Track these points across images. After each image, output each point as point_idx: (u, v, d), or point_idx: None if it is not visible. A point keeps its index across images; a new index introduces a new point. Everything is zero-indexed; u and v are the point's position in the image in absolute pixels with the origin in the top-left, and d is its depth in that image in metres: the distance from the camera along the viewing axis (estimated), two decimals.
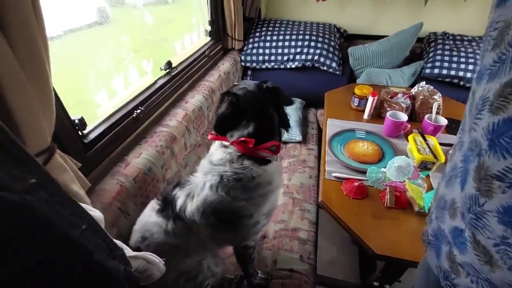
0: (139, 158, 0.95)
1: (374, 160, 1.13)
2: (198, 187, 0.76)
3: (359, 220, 0.92)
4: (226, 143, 0.78)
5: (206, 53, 1.64)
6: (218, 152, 0.78)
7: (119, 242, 0.48)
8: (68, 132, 0.77)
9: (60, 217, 0.32)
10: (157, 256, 0.57)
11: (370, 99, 1.39)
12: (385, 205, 0.95)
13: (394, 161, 0.97)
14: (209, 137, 0.81)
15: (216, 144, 0.83)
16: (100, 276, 0.32)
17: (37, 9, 0.53)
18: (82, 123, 0.83)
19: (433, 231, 0.54)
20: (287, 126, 0.83)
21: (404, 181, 0.96)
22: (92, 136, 0.88)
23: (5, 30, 0.49)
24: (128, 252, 0.53)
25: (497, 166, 0.36)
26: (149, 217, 0.81)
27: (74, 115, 0.81)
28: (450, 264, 0.48)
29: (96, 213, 0.50)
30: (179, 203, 0.77)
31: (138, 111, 1.05)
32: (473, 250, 0.41)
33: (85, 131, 0.85)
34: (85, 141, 0.85)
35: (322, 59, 1.87)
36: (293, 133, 1.67)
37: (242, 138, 0.73)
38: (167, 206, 0.79)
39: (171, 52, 1.51)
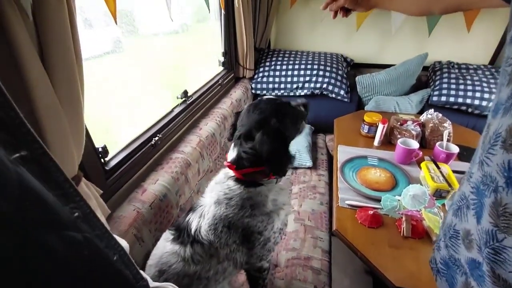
0: (156, 184, 0.98)
1: (387, 188, 1.13)
2: (207, 206, 0.79)
3: (376, 250, 0.90)
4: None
5: (219, 82, 1.71)
6: (221, 173, 0.84)
7: (143, 273, 0.49)
8: (92, 160, 0.80)
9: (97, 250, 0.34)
10: (177, 287, 0.57)
11: (380, 126, 1.41)
12: (401, 234, 0.94)
13: (409, 189, 0.97)
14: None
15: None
16: None
17: (78, 51, 0.58)
18: (105, 151, 0.87)
19: (442, 259, 0.53)
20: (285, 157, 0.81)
21: (420, 209, 0.95)
22: (112, 163, 0.91)
23: (49, 70, 0.53)
24: (151, 283, 0.54)
25: None
26: (164, 248, 0.80)
27: (97, 143, 0.85)
28: None
29: (123, 243, 0.51)
30: (193, 225, 0.78)
31: (156, 138, 1.09)
32: (493, 284, 0.40)
33: (106, 159, 0.88)
34: (106, 168, 0.88)
35: (330, 87, 1.92)
36: (303, 159, 1.68)
37: (226, 164, 0.80)
38: (182, 233, 0.79)
39: (187, 81, 1.59)
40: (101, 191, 0.74)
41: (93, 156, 0.81)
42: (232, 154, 0.81)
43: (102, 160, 0.86)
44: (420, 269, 0.84)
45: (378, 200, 1.05)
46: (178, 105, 1.33)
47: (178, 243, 0.79)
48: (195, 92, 1.49)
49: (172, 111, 1.27)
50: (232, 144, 0.83)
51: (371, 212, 0.99)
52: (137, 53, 1.30)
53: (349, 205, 1.07)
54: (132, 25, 1.18)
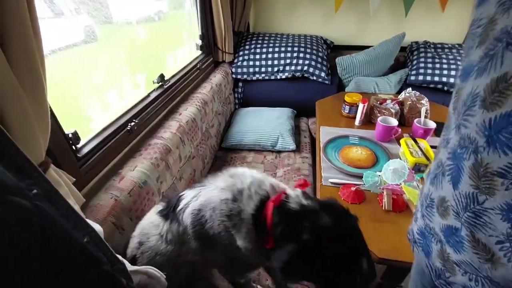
0: (134, 171, 0.94)
1: (368, 165, 1.15)
2: (208, 189, 0.73)
3: (360, 225, 0.92)
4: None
5: (198, 66, 1.66)
6: (251, 178, 0.72)
7: (119, 257, 0.47)
8: (62, 146, 0.75)
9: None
10: (158, 270, 0.55)
11: (361, 106, 1.42)
12: (383, 208, 0.96)
13: (390, 164, 0.99)
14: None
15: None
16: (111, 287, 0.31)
17: (36, 26, 0.52)
18: (76, 137, 0.81)
19: (419, 229, 0.54)
20: None
21: (400, 184, 0.98)
22: (85, 150, 0.86)
23: (4, 46, 0.48)
24: (129, 266, 0.51)
25: (498, 163, 0.36)
26: (150, 218, 0.77)
27: (67, 130, 0.79)
28: (443, 262, 0.47)
29: (96, 226, 0.48)
30: (182, 203, 0.73)
31: (132, 123, 1.04)
32: (472, 249, 0.41)
33: (78, 145, 0.83)
34: (79, 155, 0.83)
35: (311, 69, 1.91)
36: (287, 142, 1.68)
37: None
38: (169, 206, 0.76)
39: (163, 66, 1.52)
40: (74, 179, 0.70)
41: (63, 143, 0.76)
42: (276, 217, 0.64)
43: (74, 147, 0.81)
44: (401, 241, 0.87)
45: (360, 177, 1.07)
46: (154, 89, 1.27)
47: (161, 216, 0.75)
48: (173, 77, 1.43)
49: (148, 96, 1.22)
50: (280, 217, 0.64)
51: (353, 188, 1.01)
52: (112, 41, 1.22)
53: (332, 183, 1.08)
54: (106, 13, 1.11)
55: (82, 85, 1.04)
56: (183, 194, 0.75)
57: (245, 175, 0.73)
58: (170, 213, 0.74)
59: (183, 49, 1.77)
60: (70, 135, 0.79)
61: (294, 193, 0.70)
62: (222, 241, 0.69)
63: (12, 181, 0.21)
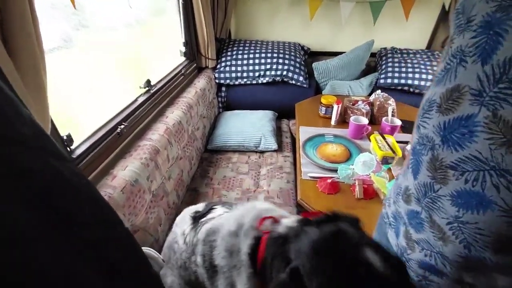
0: (125, 170, 0.99)
1: (343, 160, 1.26)
2: (229, 214, 0.71)
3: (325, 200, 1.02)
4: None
5: (182, 71, 1.73)
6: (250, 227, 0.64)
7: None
8: None
9: None
10: (156, 251, 0.61)
11: (335, 107, 1.55)
12: (355, 197, 1.07)
13: (360, 157, 1.10)
14: None
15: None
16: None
17: (37, 28, 0.58)
18: (70, 139, 0.86)
19: (392, 213, 0.61)
20: None
21: (369, 174, 1.09)
22: (78, 151, 0.91)
23: (8, 47, 0.54)
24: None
25: (451, 157, 0.41)
26: (187, 213, 0.81)
27: (61, 133, 0.84)
28: (406, 241, 0.54)
29: None
30: (208, 216, 0.74)
31: (122, 126, 1.09)
32: (430, 228, 0.47)
33: (72, 147, 0.88)
34: (73, 156, 0.87)
35: (290, 74, 2.04)
36: (269, 143, 1.77)
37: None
38: (202, 213, 0.78)
39: (149, 72, 1.58)
40: None
41: (59, 145, 0.81)
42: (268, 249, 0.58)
43: (68, 149, 0.85)
44: (371, 223, 0.97)
45: (335, 171, 1.18)
46: (141, 94, 1.33)
47: (192, 218, 0.79)
48: (159, 82, 1.50)
49: (136, 100, 1.28)
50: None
51: (329, 181, 1.12)
52: (90, 47, 1.25)
53: (311, 177, 1.18)
54: (84, 19, 1.15)
55: (65, 90, 1.07)
56: (214, 207, 0.76)
57: (254, 206, 0.68)
58: (197, 219, 0.76)
59: (167, 55, 1.83)
60: (65, 137, 0.84)
61: (287, 219, 0.62)
62: (225, 277, 0.63)
63: (66, 154, 0.28)
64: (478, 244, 0.41)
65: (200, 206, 0.85)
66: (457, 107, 0.40)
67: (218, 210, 0.78)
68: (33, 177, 0.22)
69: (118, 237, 0.31)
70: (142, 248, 0.59)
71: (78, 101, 1.12)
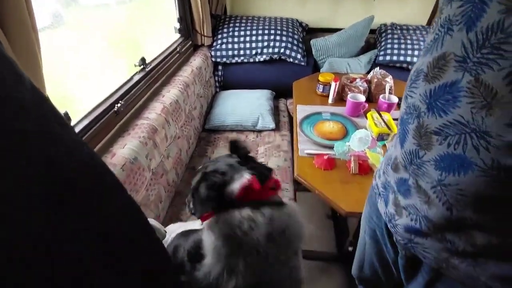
0: (124, 148, 1.00)
1: (339, 137, 1.28)
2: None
3: (331, 187, 1.05)
4: None
5: (178, 49, 1.69)
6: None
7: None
8: None
9: None
10: (158, 222, 0.64)
11: (333, 84, 1.54)
12: (351, 172, 1.10)
13: (356, 134, 1.12)
14: None
15: None
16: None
17: (30, 6, 0.57)
18: (67, 117, 0.86)
19: (382, 184, 0.64)
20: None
21: (365, 150, 1.11)
22: (76, 130, 0.91)
23: (2, 23, 0.53)
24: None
25: (435, 123, 0.44)
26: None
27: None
28: (395, 208, 0.57)
29: None
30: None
31: (119, 105, 1.09)
32: (416, 194, 0.50)
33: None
34: None
35: (287, 51, 2.00)
36: (267, 122, 1.78)
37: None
38: None
39: (143, 50, 1.55)
40: None
41: None
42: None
43: None
44: (365, 197, 1.01)
45: (332, 148, 1.19)
46: (137, 72, 1.31)
47: None
48: (154, 60, 1.47)
49: (131, 78, 1.26)
50: None
51: (326, 157, 1.13)
52: (81, 25, 1.22)
53: (307, 153, 1.20)
54: None
55: (59, 69, 1.06)
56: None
57: None
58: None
59: (161, 31, 1.78)
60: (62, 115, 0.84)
61: None
62: None
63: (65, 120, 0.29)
64: (459, 204, 0.43)
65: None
66: (443, 75, 0.42)
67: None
68: (33, 140, 0.23)
69: (121, 203, 0.33)
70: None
71: (73, 80, 1.10)
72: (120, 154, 0.97)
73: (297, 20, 2.24)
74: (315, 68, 2.15)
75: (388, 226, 0.61)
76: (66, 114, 0.86)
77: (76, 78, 1.12)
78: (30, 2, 0.58)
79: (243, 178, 0.62)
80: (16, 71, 0.24)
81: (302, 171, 1.13)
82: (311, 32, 2.32)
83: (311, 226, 1.81)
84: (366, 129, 1.33)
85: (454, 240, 0.46)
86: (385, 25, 2.17)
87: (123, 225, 0.32)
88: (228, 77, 2.16)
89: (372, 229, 0.73)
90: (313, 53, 2.12)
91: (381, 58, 1.99)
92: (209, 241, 0.59)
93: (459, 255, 0.47)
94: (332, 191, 1.03)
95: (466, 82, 0.39)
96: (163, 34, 1.78)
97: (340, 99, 1.61)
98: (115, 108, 1.08)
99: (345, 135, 1.30)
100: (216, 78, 2.18)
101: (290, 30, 2.07)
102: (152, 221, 0.60)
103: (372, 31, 2.19)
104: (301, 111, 1.49)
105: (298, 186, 1.36)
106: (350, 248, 1.45)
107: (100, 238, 0.29)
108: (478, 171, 0.39)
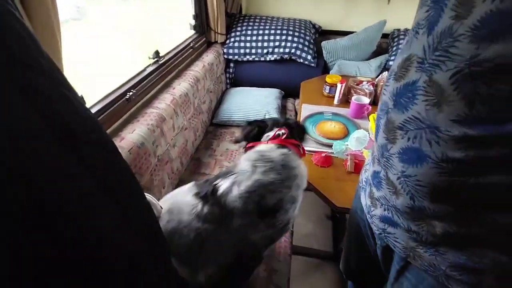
0: (133, 134, 1.07)
1: (340, 137, 1.31)
2: (246, 175, 0.81)
3: (326, 183, 1.09)
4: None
5: (191, 44, 1.76)
6: (262, 146, 0.90)
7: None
8: None
9: None
10: (154, 198, 0.70)
11: (339, 86, 1.57)
12: (347, 170, 1.13)
13: (354, 134, 1.15)
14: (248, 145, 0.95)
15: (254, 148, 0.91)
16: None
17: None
18: (83, 100, 0.94)
19: (365, 178, 0.68)
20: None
21: (362, 150, 1.14)
22: None
23: (28, 11, 0.60)
24: None
25: (399, 119, 0.47)
26: (184, 197, 0.83)
27: None
28: (371, 200, 0.61)
29: None
30: (221, 188, 0.80)
31: (130, 93, 1.16)
32: (386, 185, 0.53)
33: None
34: None
35: (298, 52, 2.04)
36: None
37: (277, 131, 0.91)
38: (206, 192, 0.81)
39: (158, 44, 1.62)
40: None
41: None
42: (269, 134, 0.93)
43: None
44: None
45: (331, 146, 1.23)
46: (150, 64, 1.39)
47: (198, 198, 0.81)
48: (167, 54, 1.55)
49: (144, 69, 1.34)
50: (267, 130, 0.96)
51: (323, 154, 1.17)
52: (101, 18, 1.31)
53: (307, 151, 1.23)
54: None
55: (77, 56, 1.14)
56: (218, 183, 0.82)
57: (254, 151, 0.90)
58: (209, 197, 0.81)
59: (176, 27, 1.86)
60: None
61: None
62: (286, 202, 0.83)
63: None
64: (418, 194, 0.47)
65: (192, 188, 0.86)
66: (407, 74, 0.46)
67: (224, 182, 0.81)
68: (46, 99, 0.29)
69: (117, 161, 0.39)
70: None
71: (89, 67, 1.19)
72: (128, 139, 1.04)
73: (310, 22, 2.27)
74: (325, 70, 2.17)
75: (367, 217, 0.65)
76: (82, 97, 0.94)
77: (93, 66, 1.20)
78: None
79: (277, 130, 0.92)
80: (38, 45, 0.30)
81: None
82: (324, 34, 2.34)
83: (311, 225, 1.84)
84: (367, 131, 1.35)
85: (418, 229, 0.50)
86: (398, 30, 2.17)
87: (116, 181, 0.38)
88: (239, 75, 2.22)
89: (356, 222, 0.77)
90: (323, 55, 2.15)
91: (391, 62, 1.99)
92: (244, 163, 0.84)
93: (423, 244, 0.50)
94: (327, 187, 1.06)
95: (423, 82, 0.42)
96: (178, 30, 1.86)
97: (346, 101, 1.63)
98: (127, 96, 1.15)
99: (345, 135, 1.32)
100: (228, 75, 2.24)
101: (302, 31, 2.11)
102: (148, 196, 0.66)
103: (385, 36, 2.19)
104: (306, 110, 1.53)
105: None
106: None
107: (104, 180, 0.35)
108: (431, 163, 0.43)
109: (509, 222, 0.40)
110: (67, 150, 0.30)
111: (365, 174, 0.69)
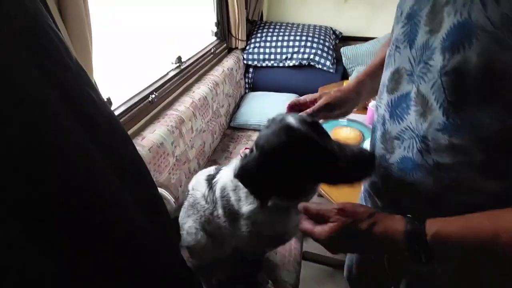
0: (153, 134, 1.14)
1: (356, 143, 1.30)
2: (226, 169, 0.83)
3: (338, 190, 1.09)
4: None
5: (212, 50, 1.83)
6: None
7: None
8: None
9: None
10: (168, 193, 0.74)
11: None
12: None
13: (367, 139, 1.14)
14: None
15: None
16: None
17: (86, 7, 0.71)
18: (109, 102, 1.02)
19: (364, 188, 0.70)
20: None
21: None
22: (116, 113, 1.07)
23: (62, 13, 0.67)
24: None
25: (395, 130, 0.49)
26: (202, 177, 0.88)
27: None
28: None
29: None
30: (218, 176, 0.84)
31: (153, 95, 1.24)
32: (385, 195, 0.56)
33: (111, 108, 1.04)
34: None
35: (317, 58, 2.05)
36: None
37: None
38: (213, 175, 0.86)
39: (181, 49, 1.71)
40: None
41: None
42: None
43: None
44: None
45: None
46: (172, 69, 1.47)
47: (206, 180, 0.86)
48: (189, 59, 1.62)
49: (167, 74, 1.42)
50: None
51: None
52: (131, 24, 1.40)
53: None
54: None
55: (105, 59, 1.22)
56: (221, 169, 0.86)
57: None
58: (210, 180, 0.85)
59: (198, 34, 1.94)
60: (105, 100, 0.99)
61: None
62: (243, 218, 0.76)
63: None
64: (416, 201, 0.48)
65: (209, 170, 0.92)
66: (399, 86, 0.47)
67: (224, 170, 0.87)
68: (72, 94, 0.34)
69: (133, 153, 0.43)
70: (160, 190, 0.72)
71: (116, 71, 1.28)
72: (149, 138, 1.11)
73: (331, 28, 2.27)
74: (344, 75, 2.16)
75: None
76: (109, 99, 1.02)
77: (120, 70, 1.29)
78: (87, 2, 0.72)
79: None
80: (68, 50, 0.35)
81: None
82: (345, 40, 2.33)
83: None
84: None
85: None
86: None
87: (125, 162, 0.43)
88: (258, 80, 2.26)
89: None
90: (343, 61, 2.14)
91: None
92: None
93: None
94: (339, 194, 1.07)
95: (414, 92, 0.44)
96: (200, 36, 1.94)
97: (364, 107, 1.61)
98: (150, 99, 1.23)
99: (361, 141, 1.31)
100: (247, 80, 2.29)
101: (322, 37, 2.12)
102: (162, 191, 0.70)
103: None
104: None
105: None
106: None
107: (118, 162, 0.41)
108: (424, 171, 0.45)
109: None
110: (86, 137, 0.35)
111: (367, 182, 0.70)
